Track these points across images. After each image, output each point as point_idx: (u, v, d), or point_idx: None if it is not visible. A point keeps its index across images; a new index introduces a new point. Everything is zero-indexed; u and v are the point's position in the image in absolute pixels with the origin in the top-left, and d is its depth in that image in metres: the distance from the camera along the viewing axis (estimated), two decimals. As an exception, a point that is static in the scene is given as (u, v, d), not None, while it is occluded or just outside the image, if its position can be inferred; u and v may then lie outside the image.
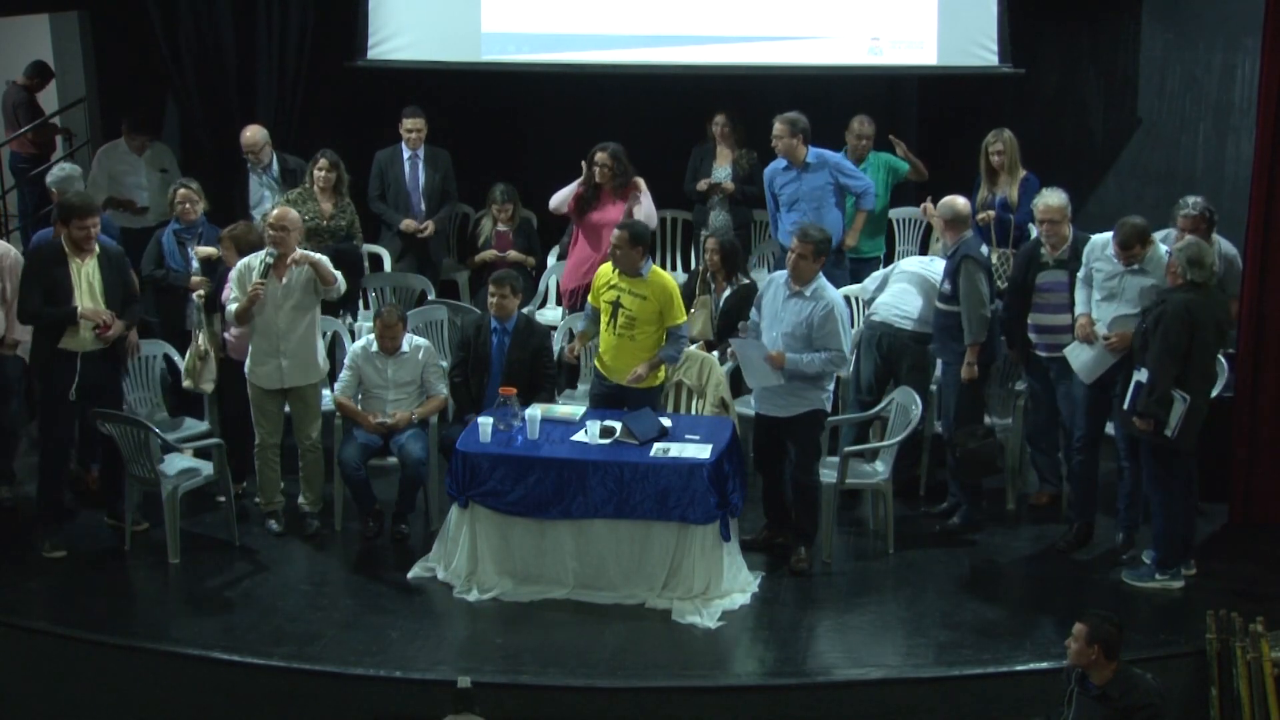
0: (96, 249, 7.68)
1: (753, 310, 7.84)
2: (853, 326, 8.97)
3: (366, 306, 9.73)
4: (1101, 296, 7.65)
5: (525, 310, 8.67)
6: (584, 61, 10.37)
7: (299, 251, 7.84)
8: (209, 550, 7.93)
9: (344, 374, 8.15)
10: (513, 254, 9.69)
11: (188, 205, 8.72)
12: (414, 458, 7.92)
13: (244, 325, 7.91)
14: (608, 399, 7.90)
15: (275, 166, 9.55)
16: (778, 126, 9.09)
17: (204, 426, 8.52)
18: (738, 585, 7.41)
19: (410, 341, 8.16)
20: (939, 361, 8.25)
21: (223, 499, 8.14)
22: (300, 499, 8.16)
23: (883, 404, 8.22)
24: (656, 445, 7.40)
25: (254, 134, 9.49)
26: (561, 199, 9.34)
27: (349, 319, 9.32)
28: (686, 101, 10.42)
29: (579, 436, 7.52)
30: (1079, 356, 7.69)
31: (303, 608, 7.35)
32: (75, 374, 7.63)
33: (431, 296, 9.64)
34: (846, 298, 9.29)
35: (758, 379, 7.60)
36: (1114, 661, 6.00)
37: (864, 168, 9.54)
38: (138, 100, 10.57)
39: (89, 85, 11.56)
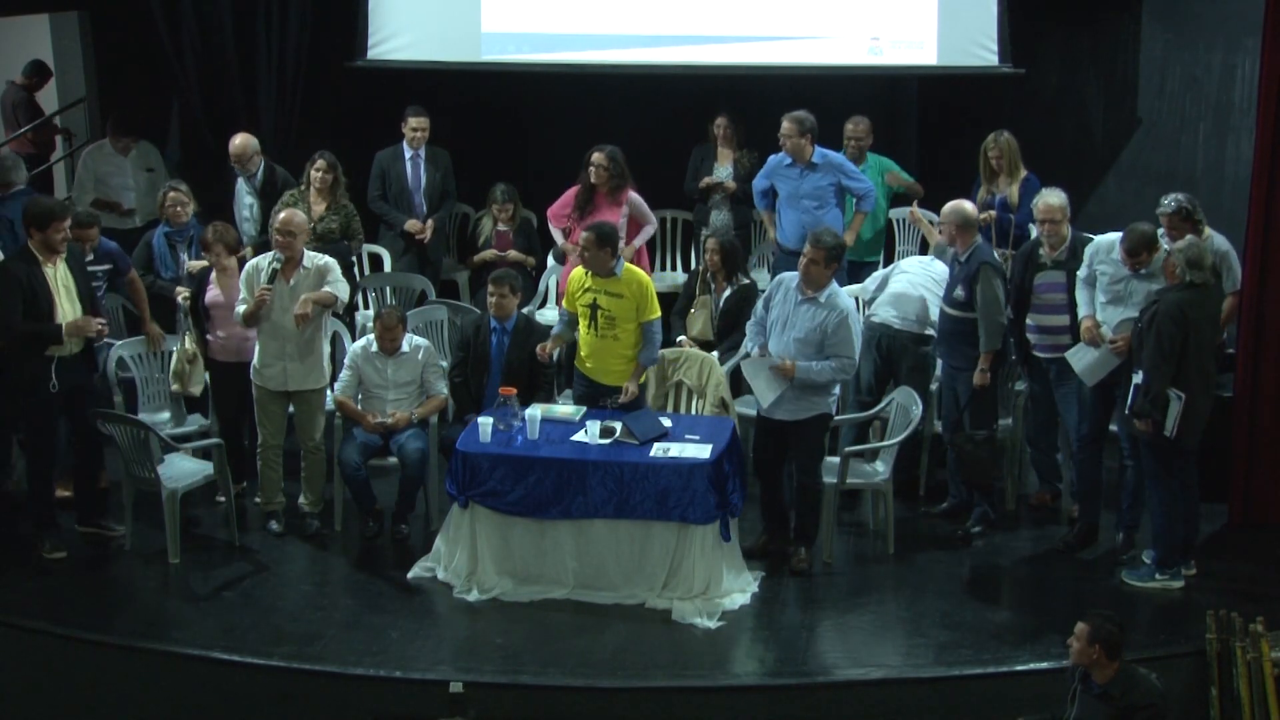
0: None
1: (758, 306, 7.82)
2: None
3: (366, 306, 9.73)
4: (1107, 299, 7.65)
5: (525, 310, 8.67)
6: (584, 61, 10.37)
7: (301, 302, 7.78)
8: (209, 550, 7.93)
9: (344, 374, 8.15)
10: (513, 254, 9.69)
11: (178, 208, 8.71)
12: (414, 458, 7.92)
13: (252, 328, 7.92)
14: (592, 400, 7.93)
15: (260, 176, 9.42)
16: (786, 125, 9.09)
17: (205, 422, 8.49)
18: (738, 585, 7.41)
19: (410, 341, 8.16)
20: (940, 363, 8.24)
21: (223, 499, 8.15)
22: (301, 499, 8.16)
23: (883, 404, 8.22)
24: (656, 445, 7.40)
25: (243, 142, 9.40)
26: (560, 212, 9.33)
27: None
28: (686, 101, 10.42)
29: (579, 436, 7.52)
30: (1082, 359, 7.68)
31: (303, 608, 7.35)
32: (53, 376, 7.60)
33: (432, 296, 9.64)
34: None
35: (768, 394, 7.57)
36: (1116, 661, 6.01)
37: (863, 169, 9.54)
38: (133, 100, 10.57)
39: (89, 85, 11.56)
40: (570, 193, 9.35)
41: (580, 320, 7.91)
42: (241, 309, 7.88)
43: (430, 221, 9.85)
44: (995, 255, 8.12)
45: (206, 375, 8.39)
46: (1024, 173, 9.00)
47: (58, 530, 7.83)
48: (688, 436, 7.52)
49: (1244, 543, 8.03)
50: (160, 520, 7.82)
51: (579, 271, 7.96)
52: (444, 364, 8.40)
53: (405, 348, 8.11)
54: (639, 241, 9.45)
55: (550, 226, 9.53)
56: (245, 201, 9.46)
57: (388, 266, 9.93)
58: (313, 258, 8.01)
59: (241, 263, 8.20)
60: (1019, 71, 10.14)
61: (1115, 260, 7.58)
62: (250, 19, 10.17)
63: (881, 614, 7.32)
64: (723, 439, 7.48)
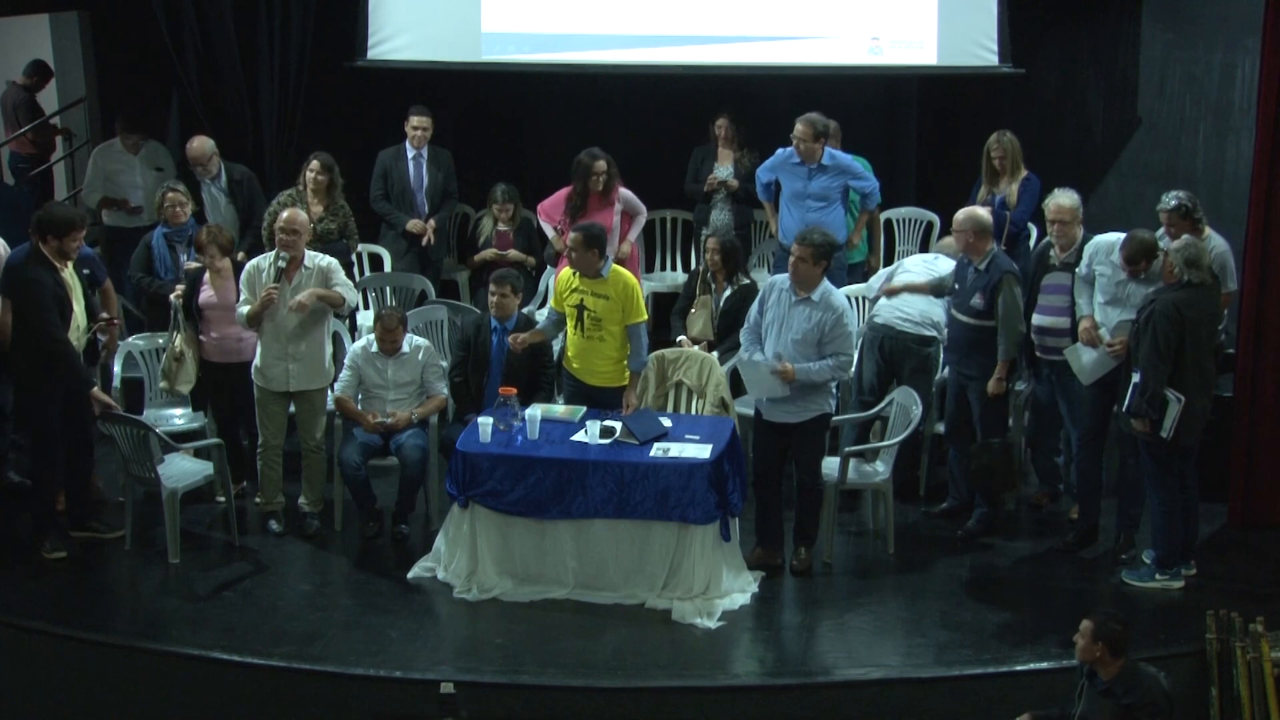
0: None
1: (752, 311, 7.82)
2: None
3: (366, 307, 9.73)
4: (1105, 300, 7.64)
5: (525, 310, 8.67)
6: (584, 61, 10.37)
7: (307, 293, 7.82)
8: (209, 550, 7.93)
9: (344, 374, 8.15)
10: (513, 253, 9.70)
11: (177, 208, 8.71)
12: (414, 458, 7.92)
13: (255, 328, 7.91)
14: (581, 400, 7.94)
15: (223, 177, 9.40)
16: (800, 128, 9.10)
17: (202, 420, 8.47)
18: (738, 585, 7.41)
19: (410, 342, 8.16)
20: (947, 368, 8.20)
21: (223, 499, 8.15)
22: (301, 499, 8.16)
23: (883, 404, 8.22)
24: (656, 445, 7.40)
25: (200, 145, 9.38)
26: (553, 212, 9.32)
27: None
28: (687, 101, 10.42)
29: (579, 436, 7.52)
30: (1080, 358, 7.68)
31: (303, 608, 7.35)
32: (58, 379, 7.62)
33: (432, 296, 9.64)
34: (849, 298, 9.32)
35: (763, 392, 7.58)
36: (1120, 659, 6.02)
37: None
38: (134, 99, 10.57)
39: (89, 85, 11.57)
40: (562, 193, 9.34)
41: (568, 320, 7.92)
42: (245, 309, 7.87)
43: (432, 222, 9.86)
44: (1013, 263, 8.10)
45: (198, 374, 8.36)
46: (1024, 173, 9.00)
47: (58, 531, 7.83)
48: (688, 436, 7.52)
49: (1244, 543, 8.03)
50: (160, 520, 7.82)
51: (567, 272, 7.97)
52: (444, 364, 8.40)
53: (405, 348, 8.11)
54: (633, 234, 9.50)
55: (541, 222, 9.51)
56: (220, 204, 9.43)
57: (388, 266, 9.93)
58: (314, 257, 8.01)
59: (236, 264, 8.20)
60: (1019, 71, 10.14)
61: (1114, 262, 7.58)
62: (251, 19, 10.17)
63: (881, 614, 7.32)
64: (723, 439, 7.48)
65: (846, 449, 7.94)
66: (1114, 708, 6.00)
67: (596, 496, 7.27)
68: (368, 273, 9.91)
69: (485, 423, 7.51)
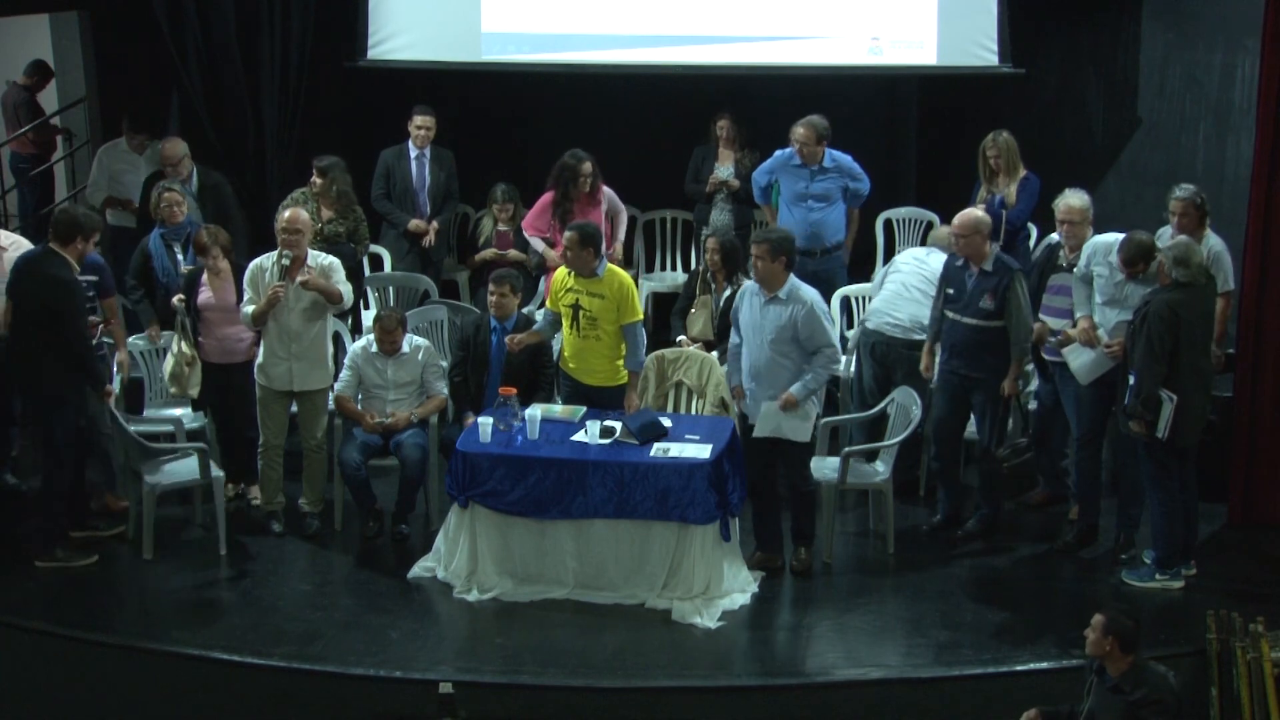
0: None
1: (732, 332, 7.77)
2: (852, 327, 9.00)
3: (367, 306, 9.73)
4: (1104, 300, 7.63)
5: (525, 310, 8.67)
6: (584, 61, 10.37)
7: (306, 277, 7.83)
8: (208, 551, 7.92)
9: (344, 373, 8.16)
10: (513, 253, 9.70)
11: (173, 207, 8.68)
12: (414, 458, 7.93)
13: (260, 327, 7.91)
14: (578, 399, 7.94)
15: (194, 181, 9.33)
16: (802, 131, 9.09)
17: (202, 420, 8.46)
18: (738, 585, 7.40)
19: (410, 342, 8.16)
20: (940, 372, 8.07)
21: (230, 498, 8.14)
22: (301, 499, 8.16)
23: (883, 404, 8.21)
24: (656, 445, 7.40)
25: (173, 147, 9.33)
26: (538, 223, 9.31)
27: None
28: (687, 101, 10.42)
29: (579, 436, 7.52)
30: (1078, 358, 7.68)
31: (303, 608, 7.35)
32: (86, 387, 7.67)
33: (435, 296, 9.64)
34: (849, 298, 9.33)
35: (781, 427, 7.51)
36: (1130, 655, 6.03)
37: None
38: (134, 99, 10.56)
39: (89, 85, 11.56)
40: (544, 201, 9.31)
41: (563, 320, 7.92)
42: (250, 309, 7.87)
43: (435, 223, 9.86)
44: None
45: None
46: (1023, 172, 9.00)
47: (66, 541, 7.77)
48: (688, 436, 7.52)
49: (1244, 543, 8.03)
50: (161, 520, 7.82)
51: (562, 272, 7.98)
52: (444, 364, 8.40)
53: (405, 348, 8.12)
54: (621, 234, 9.54)
55: (529, 239, 9.46)
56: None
57: (388, 267, 9.93)
58: (316, 256, 8.02)
59: (235, 266, 8.19)
60: (1019, 71, 10.14)
61: (1112, 263, 7.57)
62: (252, 19, 10.17)
63: (881, 614, 7.32)
64: (723, 439, 7.48)
65: (846, 449, 7.93)
66: (1122, 705, 6.01)
67: (596, 496, 7.27)
68: (368, 273, 9.90)
69: (485, 423, 7.51)
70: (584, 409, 7.83)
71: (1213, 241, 7.80)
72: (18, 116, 12.09)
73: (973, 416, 8.03)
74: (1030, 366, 8.30)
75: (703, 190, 10.04)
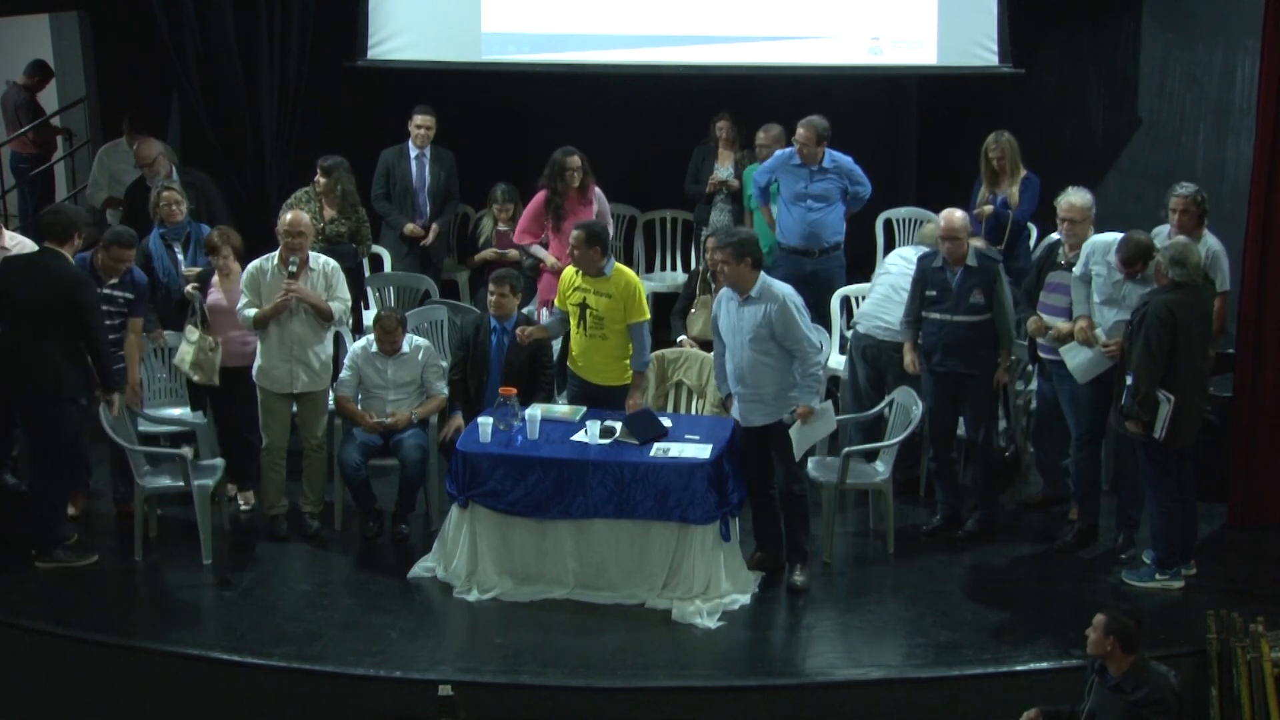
0: None
1: (716, 344, 7.70)
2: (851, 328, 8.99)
3: (368, 306, 9.73)
4: (1102, 300, 7.63)
5: (525, 310, 8.67)
6: (584, 61, 10.38)
7: (296, 289, 7.81)
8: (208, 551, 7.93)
9: (344, 373, 8.15)
10: (513, 253, 9.67)
11: (172, 207, 8.67)
12: (414, 458, 7.93)
13: (261, 329, 7.89)
14: (584, 399, 7.93)
15: (176, 179, 9.23)
16: (803, 132, 9.10)
17: (203, 419, 8.44)
18: (738, 585, 7.40)
19: (410, 342, 8.16)
20: (938, 374, 8.05)
21: (232, 499, 8.15)
22: (301, 500, 8.15)
23: (883, 404, 8.21)
24: (656, 445, 7.40)
25: (146, 148, 9.33)
26: (532, 227, 9.28)
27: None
28: (687, 101, 10.43)
29: (579, 436, 7.52)
30: (1075, 357, 7.68)
31: (303, 608, 7.34)
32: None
33: (435, 297, 9.64)
34: (849, 298, 9.33)
35: (815, 437, 7.52)
36: (1131, 655, 6.04)
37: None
38: (134, 99, 10.57)
39: (89, 85, 11.57)
40: (532, 207, 9.28)
41: (571, 319, 7.92)
42: (251, 312, 7.83)
43: (435, 226, 9.85)
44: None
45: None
46: (1024, 172, 9.00)
47: (66, 542, 7.75)
48: (688, 436, 7.52)
49: (1244, 543, 8.03)
50: (161, 521, 7.83)
51: (569, 271, 7.96)
52: (444, 364, 8.40)
53: (405, 348, 8.12)
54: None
55: (524, 248, 9.36)
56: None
57: (388, 267, 9.93)
58: (318, 258, 8.01)
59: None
60: (1019, 71, 10.14)
61: (1110, 262, 7.56)
62: (251, 19, 10.17)
63: (881, 614, 7.32)
64: (723, 439, 7.48)
65: (846, 449, 7.93)
66: (1122, 704, 6.01)
67: (596, 496, 7.26)
68: (368, 273, 9.90)
69: (485, 423, 7.51)
70: (584, 409, 7.84)
71: (1210, 241, 7.80)
72: (18, 116, 12.10)
73: (965, 414, 8.03)
74: (1031, 367, 8.32)
75: (702, 190, 10.05)
